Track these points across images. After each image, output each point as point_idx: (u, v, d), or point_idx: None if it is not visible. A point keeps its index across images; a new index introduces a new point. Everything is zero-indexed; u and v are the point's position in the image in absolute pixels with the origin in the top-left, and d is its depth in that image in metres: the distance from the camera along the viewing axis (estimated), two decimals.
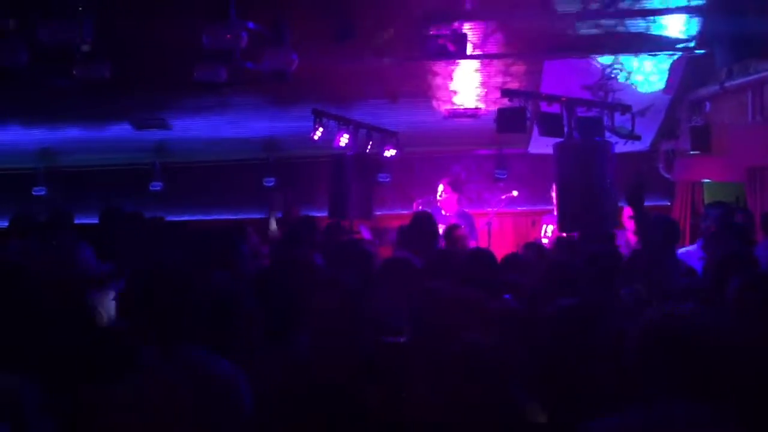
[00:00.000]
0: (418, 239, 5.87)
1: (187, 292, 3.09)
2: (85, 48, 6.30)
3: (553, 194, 8.32)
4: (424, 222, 6.25)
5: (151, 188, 10.97)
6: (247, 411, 2.72)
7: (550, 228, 8.13)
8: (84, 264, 4.32)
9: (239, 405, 2.69)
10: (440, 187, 8.60)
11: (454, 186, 8.69)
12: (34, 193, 10.95)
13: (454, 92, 9.29)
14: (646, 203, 8.22)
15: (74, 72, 6.95)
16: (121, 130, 10.28)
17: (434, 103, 9.52)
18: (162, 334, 2.88)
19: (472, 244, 7.88)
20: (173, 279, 3.18)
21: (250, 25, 6.34)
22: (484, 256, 4.79)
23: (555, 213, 8.02)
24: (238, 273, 4.46)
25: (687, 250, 6.35)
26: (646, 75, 8.59)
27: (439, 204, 8.54)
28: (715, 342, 2.33)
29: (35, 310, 3.24)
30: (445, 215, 8.29)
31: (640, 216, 5.10)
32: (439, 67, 8.66)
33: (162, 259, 5.13)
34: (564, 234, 6.91)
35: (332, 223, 7.50)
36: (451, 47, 7.57)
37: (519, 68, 8.73)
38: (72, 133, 10.38)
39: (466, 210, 8.90)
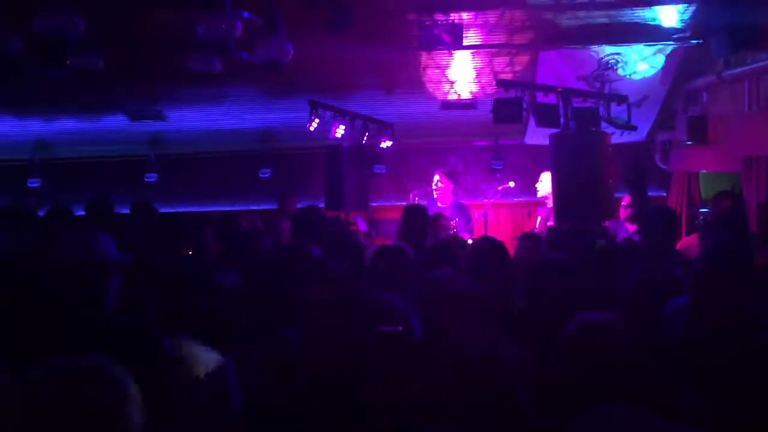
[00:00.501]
0: (410, 231, 5.88)
1: (185, 285, 3.08)
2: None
3: (538, 185, 8.33)
4: (416, 214, 6.26)
5: (146, 179, 10.94)
6: (236, 403, 2.70)
7: (539, 220, 8.15)
8: (104, 253, 4.31)
9: (229, 397, 2.67)
10: (436, 177, 8.59)
11: (450, 176, 8.68)
12: (29, 184, 10.91)
13: (451, 83, 9.26)
14: None
15: (68, 62, 6.91)
16: (116, 121, 10.24)
17: (430, 93, 9.49)
18: (160, 326, 2.87)
19: (466, 236, 7.89)
20: (170, 273, 3.17)
21: (245, 14, 6.31)
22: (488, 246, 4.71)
23: (547, 204, 8.03)
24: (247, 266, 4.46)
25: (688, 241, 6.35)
26: (643, 61, 8.56)
27: (434, 195, 8.53)
28: (625, 348, 2.34)
29: (53, 299, 3.22)
30: (441, 207, 8.29)
31: (642, 203, 5.07)
32: (435, 57, 8.64)
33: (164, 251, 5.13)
34: (554, 225, 6.90)
35: (332, 216, 7.47)
36: (446, 38, 7.55)
37: (515, 59, 8.70)
38: (67, 124, 10.33)
39: (462, 201, 8.90)
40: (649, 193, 9.74)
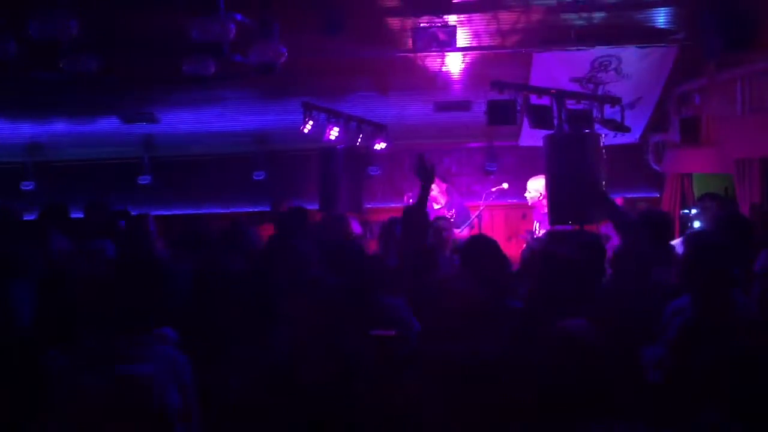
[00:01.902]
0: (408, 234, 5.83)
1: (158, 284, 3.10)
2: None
3: (526, 194, 8.31)
4: (416, 216, 6.21)
5: (139, 182, 10.92)
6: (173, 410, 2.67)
7: (537, 225, 8.15)
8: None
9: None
10: None
11: (441, 177, 8.68)
12: (22, 187, 10.88)
13: (445, 84, 9.26)
14: (636, 195, 8.12)
15: (62, 65, 6.91)
16: (109, 123, 10.23)
17: (424, 95, 9.49)
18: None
19: (465, 232, 7.90)
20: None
21: (239, 17, 6.31)
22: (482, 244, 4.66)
23: (541, 210, 8.04)
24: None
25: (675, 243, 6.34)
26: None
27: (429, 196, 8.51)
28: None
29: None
30: (437, 208, 8.30)
31: (613, 215, 5.01)
32: (429, 59, 8.64)
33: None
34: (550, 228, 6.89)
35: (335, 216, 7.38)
36: (441, 40, 7.56)
37: (508, 61, 8.71)
38: (60, 127, 10.31)
39: (459, 200, 8.90)
40: (643, 194, 9.84)
